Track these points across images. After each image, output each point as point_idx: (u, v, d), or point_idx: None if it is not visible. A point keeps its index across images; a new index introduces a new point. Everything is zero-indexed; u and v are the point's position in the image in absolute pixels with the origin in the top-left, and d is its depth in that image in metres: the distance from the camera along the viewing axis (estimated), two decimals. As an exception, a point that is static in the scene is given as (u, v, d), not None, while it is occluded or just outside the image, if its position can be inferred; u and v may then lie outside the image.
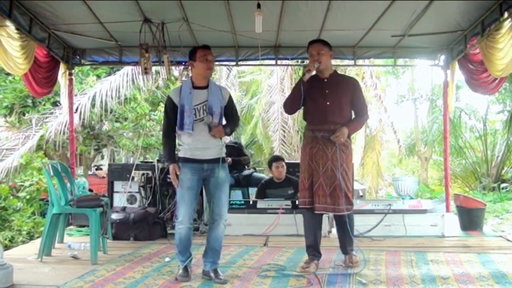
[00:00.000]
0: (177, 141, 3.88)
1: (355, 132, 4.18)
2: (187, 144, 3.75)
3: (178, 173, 3.72)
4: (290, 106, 4.14)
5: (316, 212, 3.93)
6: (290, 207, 5.73)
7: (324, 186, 3.88)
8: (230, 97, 3.90)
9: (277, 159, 6.55)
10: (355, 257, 4.11)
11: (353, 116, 4.08)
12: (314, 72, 3.97)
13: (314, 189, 3.90)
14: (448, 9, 5.37)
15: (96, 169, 12.32)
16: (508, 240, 5.42)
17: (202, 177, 3.76)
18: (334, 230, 5.16)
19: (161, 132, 3.95)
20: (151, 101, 10.78)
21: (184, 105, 3.70)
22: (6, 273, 3.53)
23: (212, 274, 3.71)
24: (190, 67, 3.87)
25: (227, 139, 7.58)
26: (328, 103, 3.93)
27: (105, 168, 11.06)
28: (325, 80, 4.01)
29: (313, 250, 4.05)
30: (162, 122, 3.94)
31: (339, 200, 3.87)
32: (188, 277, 3.70)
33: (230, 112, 3.87)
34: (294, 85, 4.25)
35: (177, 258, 3.87)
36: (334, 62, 9.56)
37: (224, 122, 3.84)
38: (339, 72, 4.32)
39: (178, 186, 3.74)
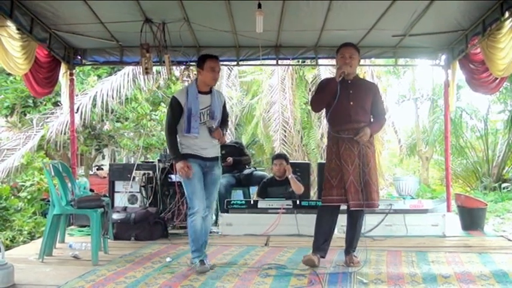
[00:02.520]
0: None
1: (376, 133, 4.40)
2: (192, 145, 4.02)
3: (190, 169, 3.94)
4: (320, 104, 4.27)
5: (351, 209, 4.03)
6: (291, 207, 5.73)
7: (355, 183, 4.00)
8: (225, 101, 4.27)
9: (277, 157, 6.61)
10: (356, 258, 4.15)
11: (371, 119, 4.24)
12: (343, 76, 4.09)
13: (346, 187, 4.00)
14: (449, 9, 5.36)
15: (97, 169, 12.29)
16: (509, 240, 5.42)
17: (203, 172, 4.06)
18: (335, 231, 5.16)
19: (165, 131, 4.14)
20: (152, 101, 10.77)
21: (192, 109, 3.96)
22: (7, 273, 3.54)
23: (207, 263, 4.00)
24: (197, 73, 4.13)
25: (228, 139, 7.58)
26: (351, 103, 4.08)
27: (106, 168, 11.06)
28: (349, 82, 4.13)
29: (323, 244, 4.10)
30: (167, 121, 4.12)
31: (371, 195, 4.02)
32: (207, 268, 3.89)
33: (224, 115, 4.21)
34: (318, 85, 4.41)
35: (192, 256, 4.00)
36: (333, 61, 9.61)
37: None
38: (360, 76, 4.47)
39: (188, 179, 3.96)
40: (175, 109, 4.00)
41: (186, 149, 4.03)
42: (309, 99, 12.19)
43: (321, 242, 4.10)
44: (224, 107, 4.21)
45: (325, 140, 10.41)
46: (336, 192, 4.04)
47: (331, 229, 4.15)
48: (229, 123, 4.56)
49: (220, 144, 4.17)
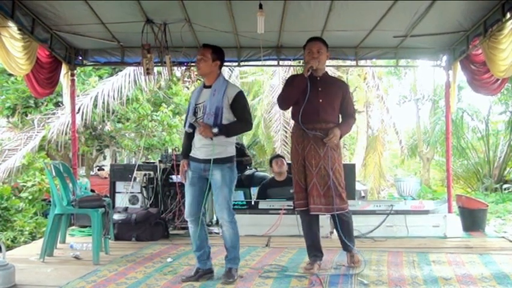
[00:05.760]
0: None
1: (345, 134, 4.21)
2: (193, 143, 3.81)
3: (185, 168, 3.80)
4: (288, 102, 4.06)
5: (311, 213, 3.92)
6: (292, 207, 5.73)
7: (317, 186, 3.86)
8: (237, 96, 3.75)
9: (278, 156, 6.67)
10: (357, 256, 4.10)
11: (340, 119, 4.08)
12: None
13: (308, 189, 3.88)
14: (450, 10, 5.36)
15: (98, 169, 12.33)
16: (510, 241, 5.40)
17: (203, 176, 3.76)
18: (334, 231, 5.16)
19: None
20: (154, 101, 10.79)
21: (191, 103, 3.82)
22: (8, 274, 3.54)
23: (224, 272, 3.76)
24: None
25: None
26: (320, 100, 3.92)
27: (107, 168, 11.07)
28: (318, 78, 3.99)
29: (315, 251, 4.04)
30: None
31: (332, 200, 3.85)
32: (191, 279, 3.72)
33: (236, 113, 3.75)
34: (285, 82, 4.21)
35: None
36: (336, 62, 9.59)
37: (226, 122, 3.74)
38: (329, 73, 4.31)
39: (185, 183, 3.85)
40: (188, 104, 3.91)
41: (192, 150, 3.83)
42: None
43: (312, 248, 4.03)
44: (236, 101, 3.73)
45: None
46: (305, 195, 3.91)
47: (315, 230, 4.06)
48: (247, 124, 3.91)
49: (225, 143, 3.76)
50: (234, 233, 3.77)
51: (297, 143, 3.99)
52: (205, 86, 3.82)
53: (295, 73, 4.62)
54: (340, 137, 3.96)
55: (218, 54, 3.81)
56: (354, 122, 4.17)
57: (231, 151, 3.80)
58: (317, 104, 3.90)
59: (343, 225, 4.00)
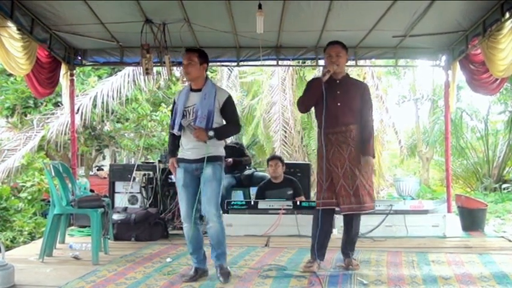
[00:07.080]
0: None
1: (373, 147, 4.15)
2: (182, 145, 3.87)
3: (176, 165, 3.84)
4: (306, 105, 4.15)
5: (342, 213, 3.97)
6: (291, 207, 5.73)
7: (345, 187, 3.90)
8: (227, 100, 3.83)
9: (273, 158, 6.63)
10: (355, 261, 4.10)
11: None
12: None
13: (336, 190, 3.92)
14: (450, 10, 5.36)
15: (98, 169, 12.33)
16: (510, 240, 5.41)
17: (196, 176, 3.80)
18: (335, 231, 5.17)
19: None
20: (153, 101, 10.77)
21: (178, 105, 3.84)
22: (7, 274, 3.54)
23: (217, 269, 3.77)
24: None
25: (228, 140, 7.56)
26: (339, 104, 3.96)
27: (106, 168, 11.07)
28: (337, 81, 4.02)
29: (319, 250, 4.03)
30: None
31: (363, 198, 3.91)
32: (193, 279, 3.72)
33: (226, 117, 3.85)
34: (306, 84, 4.27)
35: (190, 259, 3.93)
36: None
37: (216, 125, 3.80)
38: (350, 75, 4.30)
39: (177, 185, 3.89)
40: (173, 107, 3.96)
41: (180, 151, 3.89)
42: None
43: (318, 246, 4.02)
44: (226, 106, 3.81)
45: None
46: (327, 195, 3.94)
47: (327, 232, 4.06)
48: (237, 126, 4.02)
49: (217, 143, 3.82)
50: (221, 228, 3.80)
51: (321, 145, 4.01)
52: (192, 90, 3.86)
53: (315, 76, 4.66)
54: (372, 155, 3.98)
55: (204, 57, 3.87)
56: (372, 124, 4.11)
57: (222, 151, 3.90)
58: (335, 107, 3.95)
59: (354, 229, 4.07)
